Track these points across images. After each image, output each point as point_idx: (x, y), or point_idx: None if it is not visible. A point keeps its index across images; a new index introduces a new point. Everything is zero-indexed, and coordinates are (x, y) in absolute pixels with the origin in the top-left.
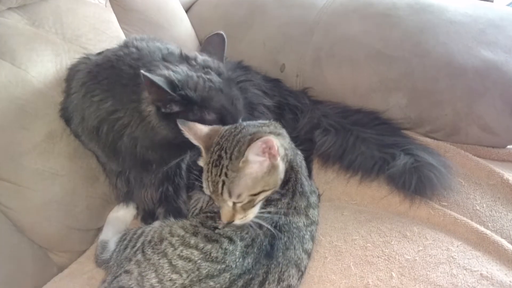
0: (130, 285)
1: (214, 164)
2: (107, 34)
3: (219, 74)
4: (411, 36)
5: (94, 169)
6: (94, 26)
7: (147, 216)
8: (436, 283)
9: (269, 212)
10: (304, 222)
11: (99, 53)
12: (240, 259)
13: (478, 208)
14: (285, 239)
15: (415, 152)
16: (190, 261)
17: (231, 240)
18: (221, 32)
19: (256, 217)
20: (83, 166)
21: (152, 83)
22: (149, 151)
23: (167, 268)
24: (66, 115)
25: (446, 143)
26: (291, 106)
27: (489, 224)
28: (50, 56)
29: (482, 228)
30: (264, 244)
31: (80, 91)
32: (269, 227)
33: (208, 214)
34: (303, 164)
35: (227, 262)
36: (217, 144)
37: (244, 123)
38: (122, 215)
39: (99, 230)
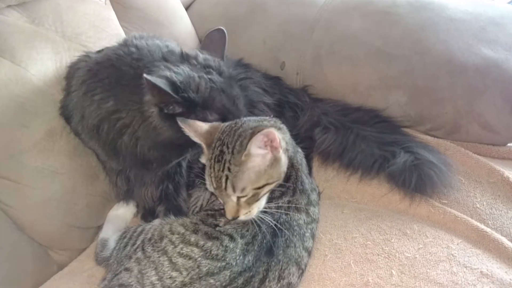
0: (130, 282)
1: (216, 160)
2: (107, 32)
3: (220, 73)
4: (411, 33)
5: (94, 167)
6: (93, 24)
7: (147, 214)
8: (436, 281)
9: (271, 208)
10: (304, 220)
11: (99, 51)
12: (241, 257)
13: (478, 206)
14: (286, 236)
15: (415, 150)
16: (190, 258)
17: (231, 237)
18: (222, 27)
19: (260, 213)
20: (83, 164)
21: (154, 86)
22: (150, 150)
23: (167, 265)
24: (66, 113)
25: (447, 141)
26: (291, 104)
27: (489, 222)
28: (50, 54)
29: (482, 226)
30: (264, 241)
31: (80, 89)
32: (272, 222)
33: (209, 212)
34: (304, 161)
35: (227, 259)
36: (218, 139)
37: (245, 119)
38: (122, 213)
39: (99, 228)
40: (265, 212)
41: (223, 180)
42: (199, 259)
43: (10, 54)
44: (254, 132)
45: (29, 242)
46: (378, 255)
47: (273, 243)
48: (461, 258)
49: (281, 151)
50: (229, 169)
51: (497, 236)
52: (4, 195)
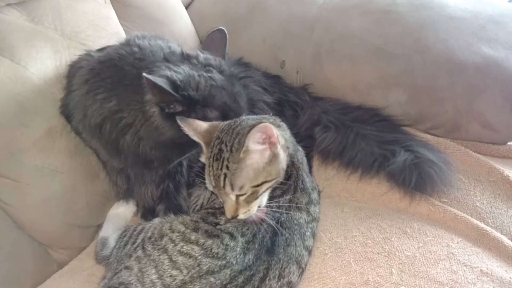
0: (130, 281)
1: (215, 158)
2: (107, 31)
3: (221, 72)
4: (411, 32)
5: (94, 166)
6: (93, 23)
7: (147, 213)
8: (436, 280)
9: (271, 207)
10: (305, 219)
11: (100, 50)
12: (241, 255)
13: (478, 204)
14: (286, 235)
15: (415, 148)
16: (190, 257)
17: (232, 235)
18: (223, 28)
19: (260, 212)
20: (83, 163)
21: (155, 85)
22: (152, 150)
23: (168, 264)
24: (66, 112)
25: (446, 140)
26: (291, 102)
27: (489, 221)
28: (49, 53)
29: (482, 225)
30: (265, 240)
31: (82, 88)
32: (272, 222)
33: (209, 210)
34: (304, 160)
35: (227, 258)
36: (217, 138)
37: (244, 117)
38: (122, 212)
39: (99, 227)
40: (267, 208)
41: (222, 178)
42: (200, 257)
43: (9, 52)
44: (252, 128)
45: (29, 241)
46: (378, 253)
47: (273, 242)
48: (461, 256)
49: (279, 146)
50: (227, 167)
51: (497, 234)
52: (4, 194)
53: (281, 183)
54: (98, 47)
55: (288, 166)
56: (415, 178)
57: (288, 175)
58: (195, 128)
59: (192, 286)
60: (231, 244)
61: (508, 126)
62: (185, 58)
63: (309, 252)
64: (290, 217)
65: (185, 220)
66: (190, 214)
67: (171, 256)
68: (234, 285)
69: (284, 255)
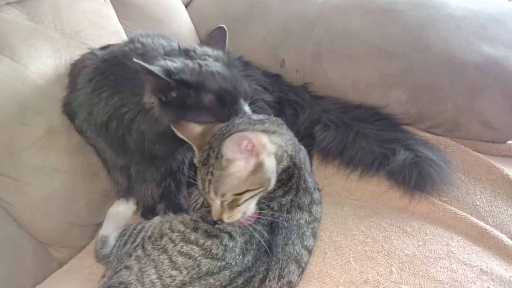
0: (130, 280)
1: (203, 163)
2: (107, 29)
3: (217, 60)
4: (411, 31)
5: (94, 164)
6: (93, 21)
7: (147, 211)
8: (436, 278)
9: (272, 208)
10: (306, 219)
11: (103, 48)
12: (240, 256)
13: (478, 203)
14: (284, 234)
15: (415, 147)
16: (190, 257)
17: (231, 235)
18: (223, 25)
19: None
20: (83, 161)
21: (148, 71)
22: (156, 145)
23: (167, 264)
24: (69, 111)
25: (447, 139)
26: (291, 101)
27: (489, 219)
28: (49, 52)
29: (482, 223)
30: (262, 240)
31: (87, 87)
32: (259, 228)
33: (209, 209)
34: (307, 159)
35: (227, 259)
36: (207, 143)
37: (239, 120)
38: (122, 211)
39: (99, 225)
40: (259, 211)
41: (207, 183)
42: (199, 258)
43: (9, 51)
44: (227, 137)
45: (29, 240)
46: (378, 252)
47: (271, 242)
48: (461, 255)
49: (263, 156)
50: (212, 173)
51: (497, 233)
52: (4, 193)
53: (283, 184)
54: (98, 46)
55: (289, 167)
56: (415, 176)
57: (289, 176)
58: (189, 131)
59: (191, 287)
60: (230, 245)
61: (508, 125)
62: (183, 52)
63: (309, 252)
64: (289, 217)
65: (185, 219)
66: (190, 213)
67: (171, 256)
68: (234, 286)
69: (282, 255)
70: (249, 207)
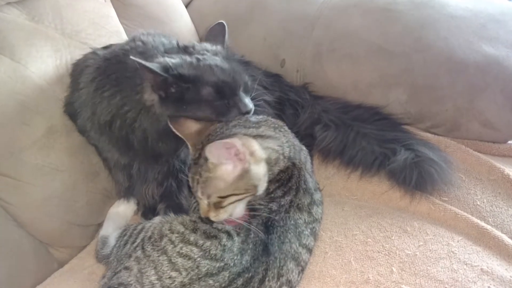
0: (130, 281)
1: (194, 162)
2: (107, 29)
3: (215, 55)
4: (411, 31)
5: (94, 164)
6: (93, 21)
7: (147, 211)
8: (436, 278)
9: (270, 209)
10: (305, 219)
11: (105, 47)
12: (238, 256)
13: (478, 203)
14: (279, 233)
15: (416, 147)
16: (189, 258)
17: (229, 235)
18: (222, 21)
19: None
20: (83, 161)
21: (145, 68)
22: (159, 143)
23: (167, 265)
24: (71, 110)
25: (447, 138)
26: (291, 101)
27: (490, 219)
28: (49, 52)
29: (482, 223)
30: (258, 239)
31: (89, 87)
32: (252, 227)
33: None
34: (308, 160)
35: (225, 260)
36: (201, 142)
37: (235, 122)
38: (123, 211)
39: (100, 225)
40: (253, 211)
41: (195, 183)
42: (198, 259)
43: (9, 51)
44: (211, 142)
45: (29, 240)
46: (379, 252)
47: (267, 241)
48: (462, 255)
49: (250, 162)
50: (200, 174)
51: (498, 233)
52: (5, 192)
53: (282, 185)
54: (98, 46)
55: (288, 168)
56: (415, 176)
57: (289, 176)
58: (185, 128)
59: None
60: (228, 244)
61: (509, 125)
62: (182, 49)
63: (308, 251)
64: (287, 217)
65: (185, 220)
66: (190, 213)
67: (171, 258)
68: (233, 287)
69: (280, 253)
70: (236, 209)
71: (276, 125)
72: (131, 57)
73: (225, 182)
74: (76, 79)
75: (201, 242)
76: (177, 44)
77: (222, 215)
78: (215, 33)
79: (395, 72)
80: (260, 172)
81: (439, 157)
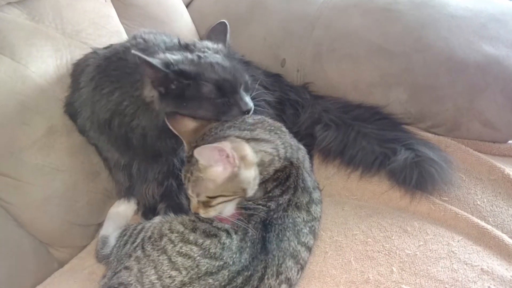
0: (130, 281)
1: (188, 160)
2: (107, 29)
3: (216, 53)
4: (412, 31)
5: (95, 164)
6: (94, 21)
7: (147, 211)
8: (436, 278)
9: (269, 208)
10: (304, 218)
11: (106, 47)
12: (237, 254)
13: (479, 203)
14: (277, 231)
15: (416, 147)
16: (189, 258)
17: (228, 233)
18: (224, 21)
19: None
20: (84, 161)
21: (146, 63)
22: (158, 141)
23: (167, 264)
24: (71, 110)
25: (447, 138)
26: (292, 101)
27: (490, 219)
28: (50, 52)
29: (482, 223)
30: (256, 237)
31: (89, 85)
32: (245, 224)
33: None
34: (306, 159)
35: (224, 258)
36: (195, 141)
37: (230, 123)
38: (123, 211)
39: (100, 225)
40: (248, 209)
41: (186, 180)
42: (198, 258)
43: (10, 51)
44: (201, 145)
45: (30, 240)
46: (379, 252)
47: (265, 239)
48: (462, 255)
49: (240, 166)
50: (191, 172)
51: (498, 233)
52: (5, 192)
53: (280, 184)
54: (98, 46)
55: (285, 167)
56: (415, 176)
57: (287, 175)
58: (182, 126)
59: (191, 287)
60: (227, 243)
61: (509, 125)
62: (183, 47)
63: (308, 249)
64: (286, 215)
65: (184, 220)
66: (190, 213)
67: (170, 257)
68: (233, 286)
69: (278, 251)
70: (225, 209)
71: (272, 127)
72: (133, 51)
73: (214, 183)
74: (77, 79)
75: (200, 241)
76: (179, 42)
77: (211, 213)
78: (217, 32)
79: (395, 72)
80: (249, 176)
81: (439, 157)
